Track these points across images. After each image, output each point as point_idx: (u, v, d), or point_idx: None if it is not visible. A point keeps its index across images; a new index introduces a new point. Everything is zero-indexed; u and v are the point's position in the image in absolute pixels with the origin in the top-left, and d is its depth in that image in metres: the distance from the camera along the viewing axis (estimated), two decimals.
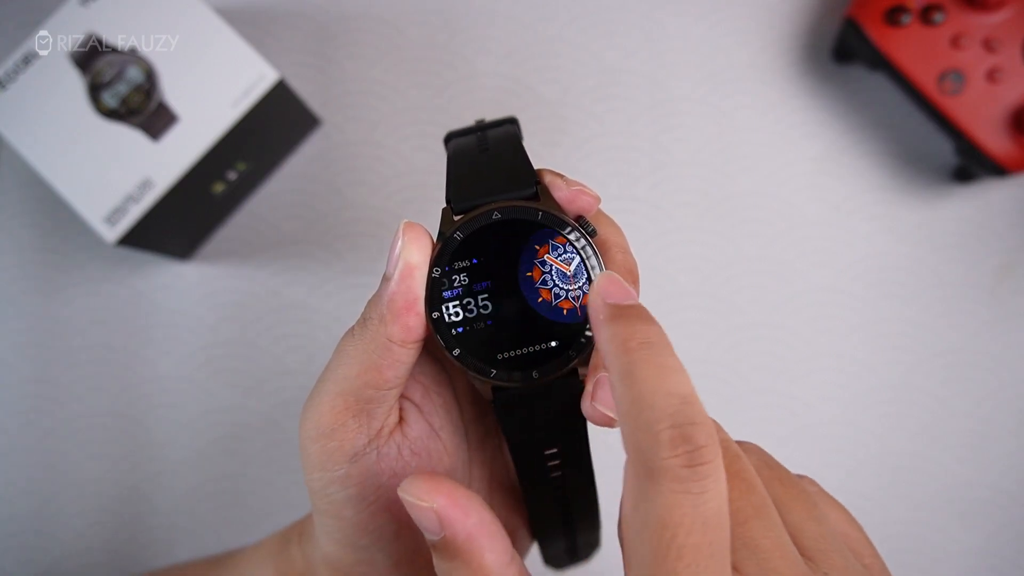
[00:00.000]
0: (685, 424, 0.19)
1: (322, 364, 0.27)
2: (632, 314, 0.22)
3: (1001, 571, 0.50)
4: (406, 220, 0.25)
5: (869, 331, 0.51)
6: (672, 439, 0.19)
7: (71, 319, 0.50)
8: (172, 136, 0.42)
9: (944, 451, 0.50)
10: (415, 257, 0.25)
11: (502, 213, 0.25)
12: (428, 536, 0.24)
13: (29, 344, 0.50)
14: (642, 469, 0.20)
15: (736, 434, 0.53)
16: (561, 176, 0.26)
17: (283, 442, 0.50)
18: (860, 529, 0.26)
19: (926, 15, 0.46)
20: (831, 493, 0.52)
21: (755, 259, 0.51)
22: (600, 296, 0.22)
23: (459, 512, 0.23)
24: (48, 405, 0.50)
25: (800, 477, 0.26)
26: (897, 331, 0.51)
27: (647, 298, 0.50)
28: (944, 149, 0.51)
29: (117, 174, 0.42)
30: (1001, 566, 0.50)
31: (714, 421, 0.23)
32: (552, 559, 0.33)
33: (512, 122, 0.29)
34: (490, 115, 0.51)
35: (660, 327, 0.22)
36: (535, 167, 0.27)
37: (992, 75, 0.46)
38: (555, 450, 0.27)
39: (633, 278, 0.26)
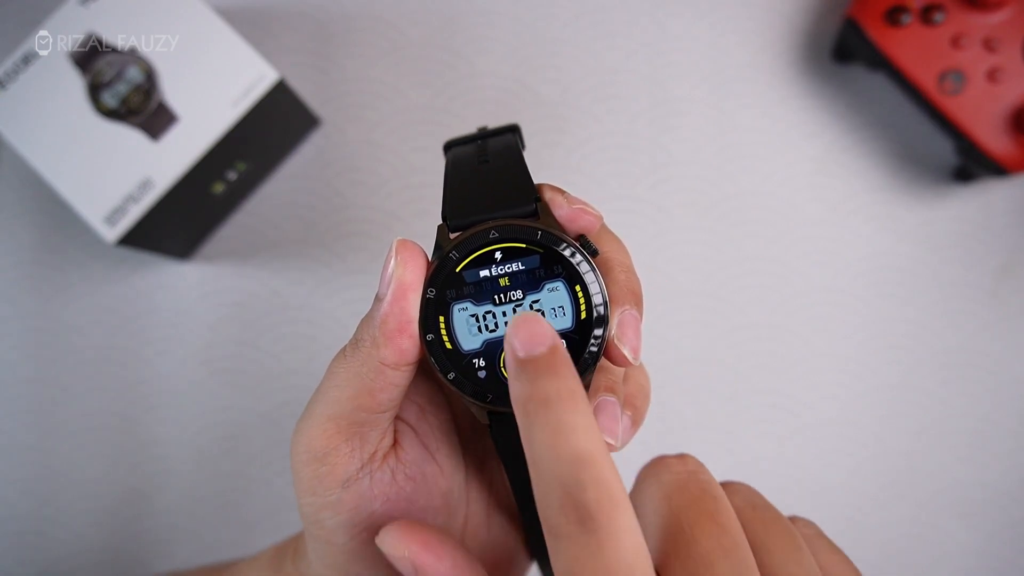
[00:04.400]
0: (574, 489, 0.19)
1: (322, 364, 0.27)
2: (533, 368, 0.21)
3: (1001, 571, 0.50)
4: (399, 238, 0.25)
5: (869, 331, 0.51)
6: (562, 504, 0.19)
7: (71, 319, 0.50)
8: (172, 136, 0.42)
9: (944, 451, 0.50)
10: (408, 277, 0.24)
11: (499, 232, 0.24)
12: None
13: (29, 344, 0.50)
14: (547, 530, 0.20)
15: (736, 434, 0.53)
16: (562, 192, 0.25)
17: (283, 442, 0.50)
18: (855, 573, 0.25)
19: (926, 15, 0.46)
20: (832, 494, 0.52)
21: (755, 259, 0.51)
22: (510, 347, 0.21)
23: (432, 557, 0.24)
24: (48, 405, 0.50)
25: (794, 519, 0.26)
26: (897, 331, 0.51)
27: (647, 299, 0.50)
28: (944, 149, 0.51)
29: (117, 174, 0.42)
30: (1001, 566, 0.50)
31: (696, 460, 0.23)
32: None
33: (513, 131, 0.28)
34: (489, 116, 0.51)
35: (565, 377, 0.20)
36: (536, 178, 0.26)
37: (992, 75, 0.46)
38: None
39: (636, 298, 0.25)
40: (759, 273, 0.51)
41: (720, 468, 0.50)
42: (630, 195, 0.51)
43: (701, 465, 0.23)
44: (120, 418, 0.50)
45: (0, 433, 0.50)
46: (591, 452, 0.20)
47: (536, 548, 0.31)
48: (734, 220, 0.51)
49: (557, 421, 0.20)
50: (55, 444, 0.50)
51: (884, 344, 0.51)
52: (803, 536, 0.25)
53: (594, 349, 0.24)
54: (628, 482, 0.52)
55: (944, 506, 0.50)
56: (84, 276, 0.50)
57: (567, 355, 0.21)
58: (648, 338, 0.50)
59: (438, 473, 0.28)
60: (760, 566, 0.22)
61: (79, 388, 0.50)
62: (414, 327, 0.24)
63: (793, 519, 0.26)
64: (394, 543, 0.24)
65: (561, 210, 0.25)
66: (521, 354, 0.21)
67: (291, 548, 0.31)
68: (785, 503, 0.51)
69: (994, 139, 0.46)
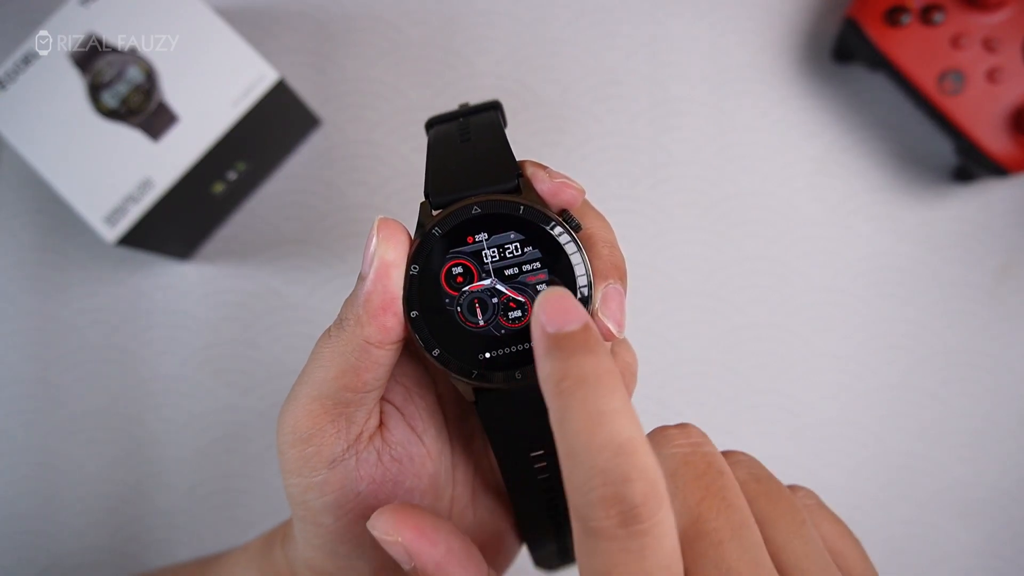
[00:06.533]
0: (618, 482, 0.18)
1: None
2: (567, 345, 0.19)
3: (1001, 571, 0.50)
4: (381, 216, 0.25)
5: (869, 331, 0.51)
6: (603, 499, 0.18)
7: (71, 319, 0.50)
8: (172, 136, 0.42)
9: (944, 451, 0.50)
10: (391, 255, 0.24)
11: (482, 208, 0.24)
12: (402, 566, 0.24)
13: (29, 344, 0.50)
14: (581, 525, 0.19)
15: (736, 434, 0.53)
16: (544, 168, 0.25)
17: None
18: (856, 545, 0.25)
19: (926, 15, 0.46)
20: (832, 494, 0.52)
21: (755, 259, 0.51)
22: (539, 323, 0.20)
23: (426, 544, 0.23)
24: (48, 405, 0.50)
25: (795, 488, 0.25)
26: (897, 331, 0.51)
27: (647, 298, 0.50)
28: (944, 149, 0.51)
29: (117, 174, 0.42)
30: (1001, 566, 0.50)
31: (698, 431, 0.23)
32: (542, 560, 0.33)
33: (495, 107, 0.28)
34: None
35: (601, 356, 0.19)
36: (520, 159, 0.26)
37: (992, 75, 0.46)
38: (541, 451, 0.27)
39: (619, 272, 0.25)
40: (759, 273, 0.51)
41: None
42: (630, 195, 0.51)
43: (704, 436, 0.23)
44: (120, 418, 0.50)
45: (0, 433, 0.50)
46: (633, 440, 0.18)
47: (526, 531, 0.31)
48: (734, 220, 0.51)
49: (597, 404, 0.19)
50: (55, 444, 0.50)
51: (884, 344, 0.51)
52: (804, 508, 0.24)
53: None
54: None
55: (944, 506, 0.50)
56: (84, 276, 0.50)
57: (599, 333, 0.20)
58: (648, 338, 0.50)
59: (425, 455, 0.28)
60: (765, 540, 0.22)
61: (79, 388, 0.50)
62: (398, 304, 0.24)
63: (793, 488, 0.25)
64: (386, 528, 0.24)
65: (543, 184, 0.25)
66: (551, 330, 0.20)
67: (280, 534, 0.31)
68: None
69: (994, 139, 0.46)
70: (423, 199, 0.25)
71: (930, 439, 0.50)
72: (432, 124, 0.28)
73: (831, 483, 0.50)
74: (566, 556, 0.33)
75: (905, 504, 0.50)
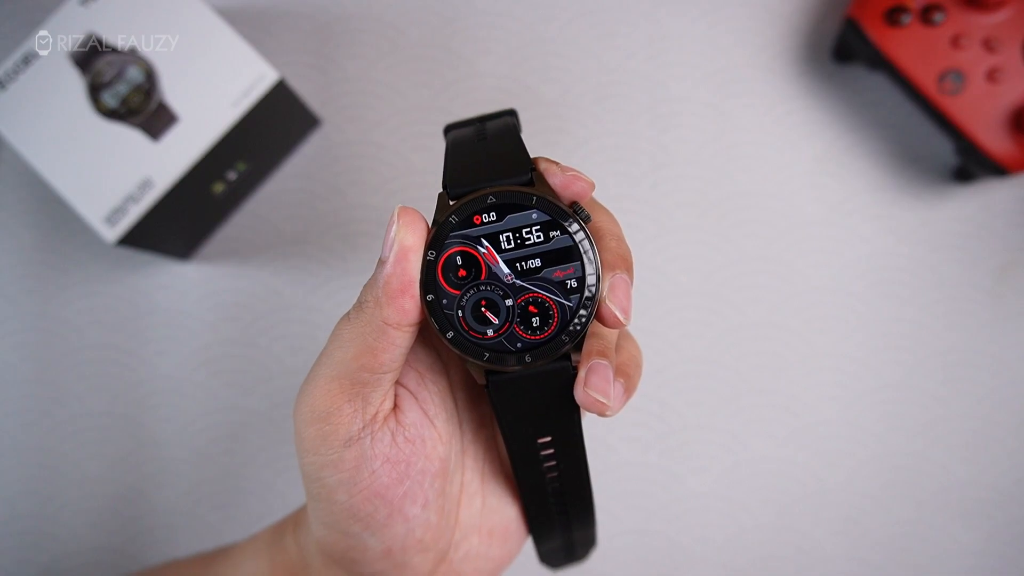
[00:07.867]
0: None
1: None
2: None
3: (1001, 571, 0.50)
4: (400, 205, 0.26)
5: (869, 331, 0.51)
6: None
7: (71, 319, 0.50)
8: (172, 136, 0.42)
9: (944, 451, 0.50)
10: (410, 240, 0.25)
11: (497, 198, 0.26)
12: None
13: (29, 344, 0.50)
14: None
15: (736, 434, 0.53)
16: (556, 163, 0.27)
17: (283, 442, 0.50)
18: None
19: (926, 15, 0.46)
20: (832, 494, 0.52)
21: (755, 259, 0.51)
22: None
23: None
24: (48, 405, 0.50)
25: None
26: (897, 331, 0.51)
27: (647, 298, 0.50)
28: (944, 149, 0.51)
29: (117, 174, 0.42)
30: (1001, 566, 0.50)
31: None
32: (547, 556, 0.33)
33: (511, 114, 0.30)
34: None
35: None
36: (533, 156, 0.27)
37: (992, 75, 0.46)
38: (548, 439, 0.28)
39: (626, 263, 0.26)
40: (759, 273, 0.51)
41: (720, 468, 0.50)
42: (630, 195, 0.51)
43: None
44: (120, 418, 0.50)
45: (0, 433, 0.50)
46: None
47: (532, 519, 0.31)
48: (734, 220, 0.51)
49: None
50: (55, 444, 0.50)
51: (884, 344, 0.51)
52: None
53: (585, 313, 0.25)
54: (620, 487, 0.52)
55: (944, 506, 0.50)
56: (84, 276, 0.50)
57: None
58: (648, 338, 0.50)
59: (436, 438, 0.28)
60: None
61: (79, 388, 0.50)
62: (416, 288, 0.25)
63: None
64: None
65: (555, 178, 0.26)
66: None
67: (291, 522, 0.32)
68: (785, 503, 0.51)
69: (994, 139, 0.46)
70: (441, 191, 0.26)
71: (930, 439, 0.50)
72: (450, 129, 0.29)
73: (831, 483, 0.50)
74: (572, 553, 0.33)
75: (905, 504, 0.50)
